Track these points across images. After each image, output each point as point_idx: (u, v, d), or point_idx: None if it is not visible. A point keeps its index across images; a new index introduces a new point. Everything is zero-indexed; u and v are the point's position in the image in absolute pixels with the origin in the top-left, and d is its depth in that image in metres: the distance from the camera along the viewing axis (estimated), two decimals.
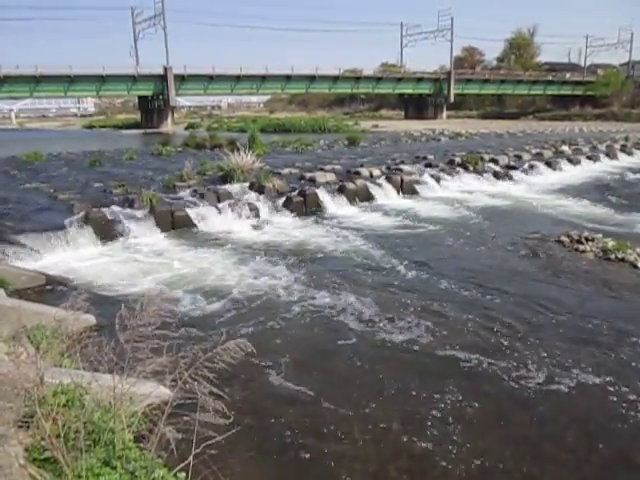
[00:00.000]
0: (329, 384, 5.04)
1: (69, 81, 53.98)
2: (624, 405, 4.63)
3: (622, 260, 8.84)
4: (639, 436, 4.24)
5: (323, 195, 13.60)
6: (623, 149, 26.09)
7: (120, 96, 79.09)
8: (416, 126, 49.15)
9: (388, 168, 17.19)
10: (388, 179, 15.47)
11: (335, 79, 67.90)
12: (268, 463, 3.91)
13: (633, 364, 5.36)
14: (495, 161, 19.52)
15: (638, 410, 4.54)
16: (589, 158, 22.89)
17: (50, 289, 7.57)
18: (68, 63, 52.90)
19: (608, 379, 5.05)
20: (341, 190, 14.09)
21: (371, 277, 8.20)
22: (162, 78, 57.88)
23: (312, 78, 65.73)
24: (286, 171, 16.05)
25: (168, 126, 60.54)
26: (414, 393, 4.87)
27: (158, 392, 3.40)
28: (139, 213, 11.07)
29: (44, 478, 2.41)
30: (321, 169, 16.26)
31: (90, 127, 77.34)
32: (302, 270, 8.50)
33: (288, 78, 64.48)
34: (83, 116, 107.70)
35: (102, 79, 55.40)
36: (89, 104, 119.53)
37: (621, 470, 3.90)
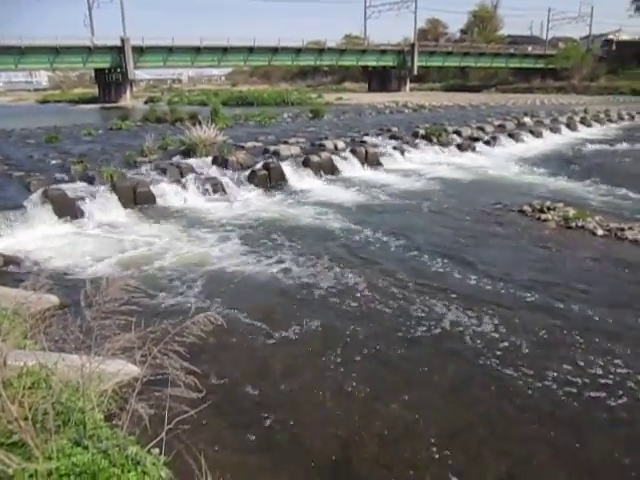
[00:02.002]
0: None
1: (20, 53, 51.47)
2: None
3: (582, 228, 9.11)
4: None
5: (287, 168, 13.48)
6: (583, 121, 26.71)
7: (75, 69, 75.92)
8: (380, 99, 49.03)
9: (352, 140, 17.16)
10: (353, 151, 15.43)
11: (298, 51, 66.88)
12: (242, 435, 3.92)
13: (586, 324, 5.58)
14: (458, 133, 19.67)
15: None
16: (550, 130, 23.36)
17: (8, 270, 7.31)
18: (18, 33, 50.52)
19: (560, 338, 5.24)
20: (306, 163, 14.00)
21: (343, 252, 8.23)
22: (119, 50, 55.89)
23: (275, 50, 64.57)
24: (250, 144, 15.82)
25: (127, 100, 58.75)
26: None
27: (128, 369, 3.34)
28: (100, 190, 10.75)
29: (13, 462, 2.34)
30: (285, 142, 16.08)
31: (44, 102, 74.34)
32: (268, 244, 8.47)
33: (250, 50, 63.15)
34: (36, 90, 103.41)
35: (56, 51, 53.05)
36: (42, 77, 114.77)
37: None
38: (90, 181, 11.12)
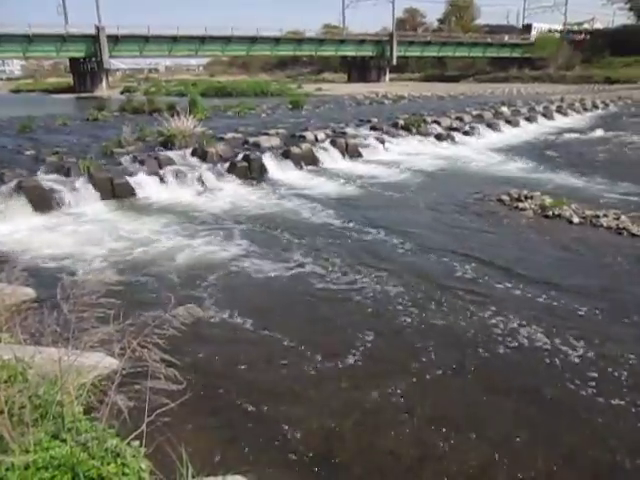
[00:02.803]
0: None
1: None
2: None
3: (559, 216, 9.24)
4: None
5: (268, 160, 13.40)
6: (559, 110, 27.03)
7: (49, 58, 74.16)
8: (359, 89, 48.93)
9: (333, 131, 17.12)
10: (333, 143, 15.40)
11: (277, 41, 66.33)
12: (223, 427, 3.92)
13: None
14: (437, 123, 19.75)
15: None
16: (527, 119, 23.58)
17: None
18: None
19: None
20: (286, 154, 13.92)
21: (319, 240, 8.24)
22: (94, 39, 54.85)
23: (253, 40, 63.97)
24: (229, 136, 15.69)
25: (103, 90, 57.72)
26: None
27: (107, 362, 3.31)
28: (76, 182, 10.58)
29: None
30: (265, 133, 15.97)
31: (17, 91, 72.85)
32: (250, 237, 8.44)
33: (228, 40, 62.46)
34: (9, 79, 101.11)
35: (28, 39, 51.83)
36: (15, 66, 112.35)
37: None
38: (66, 172, 10.93)
